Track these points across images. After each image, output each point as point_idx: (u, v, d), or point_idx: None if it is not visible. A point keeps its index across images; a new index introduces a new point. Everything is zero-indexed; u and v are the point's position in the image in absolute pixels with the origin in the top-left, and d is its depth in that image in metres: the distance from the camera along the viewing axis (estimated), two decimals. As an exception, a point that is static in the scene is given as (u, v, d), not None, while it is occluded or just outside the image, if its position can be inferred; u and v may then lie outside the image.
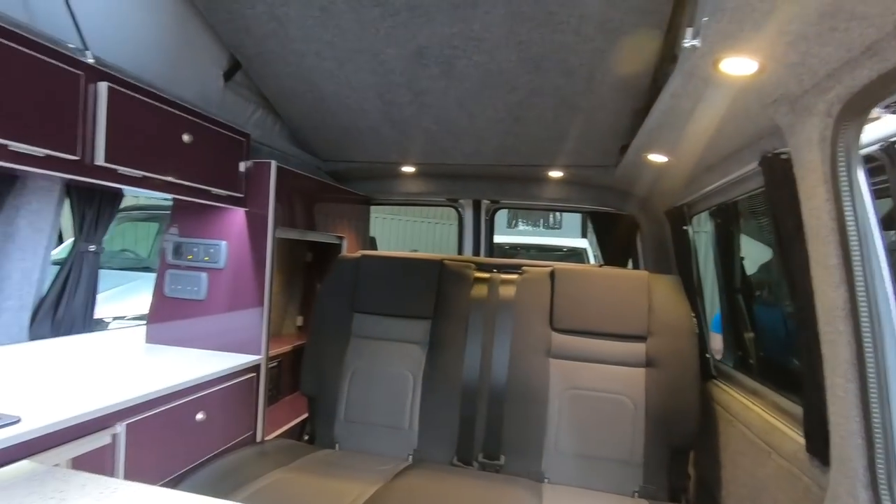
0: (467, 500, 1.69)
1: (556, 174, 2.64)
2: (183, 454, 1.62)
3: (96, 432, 1.29)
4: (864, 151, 1.24)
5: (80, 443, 1.24)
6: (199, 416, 1.65)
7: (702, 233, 3.03)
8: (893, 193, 1.11)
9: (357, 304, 2.29)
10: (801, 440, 1.34)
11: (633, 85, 1.71)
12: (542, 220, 9.79)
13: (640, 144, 1.82)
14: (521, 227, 9.63)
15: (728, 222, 2.21)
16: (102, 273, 3.85)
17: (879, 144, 1.15)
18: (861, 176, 1.03)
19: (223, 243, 2.01)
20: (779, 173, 1.26)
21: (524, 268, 2.30)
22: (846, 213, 0.98)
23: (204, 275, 2.02)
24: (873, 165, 1.24)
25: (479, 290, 2.26)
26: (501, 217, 9.07)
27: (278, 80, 1.99)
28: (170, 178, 1.58)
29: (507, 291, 2.23)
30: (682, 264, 2.34)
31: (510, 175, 2.79)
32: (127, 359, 1.82)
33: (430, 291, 2.24)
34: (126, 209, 5.53)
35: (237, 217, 2.01)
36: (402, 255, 2.38)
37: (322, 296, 2.35)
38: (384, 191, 3.09)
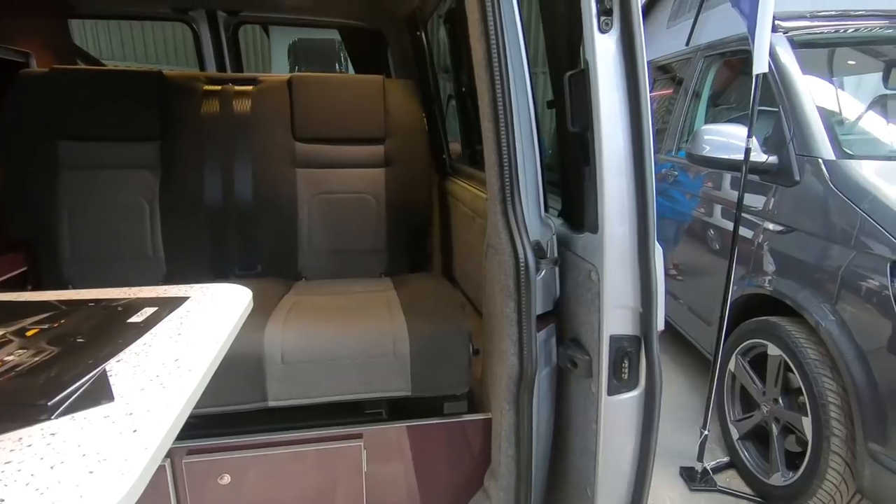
0: None
1: None
2: None
3: None
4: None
5: None
6: None
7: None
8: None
9: (59, 129, 1.94)
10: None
11: None
12: (326, 64, 9.19)
13: None
14: (305, 70, 8.88)
15: (455, 27, 2.35)
16: None
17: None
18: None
19: None
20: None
21: (259, 78, 2.18)
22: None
23: None
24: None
25: (212, 105, 2.09)
26: (282, 61, 8.17)
27: None
28: None
29: (243, 105, 2.11)
30: (419, 69, 2.46)
31: None
32: None
33: (151, 108, 1.99)
34: None
35: None
36: (108, 69, 2.02)
37: (5, 122, 1.92)
38: None
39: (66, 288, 1.93)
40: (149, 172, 1.99)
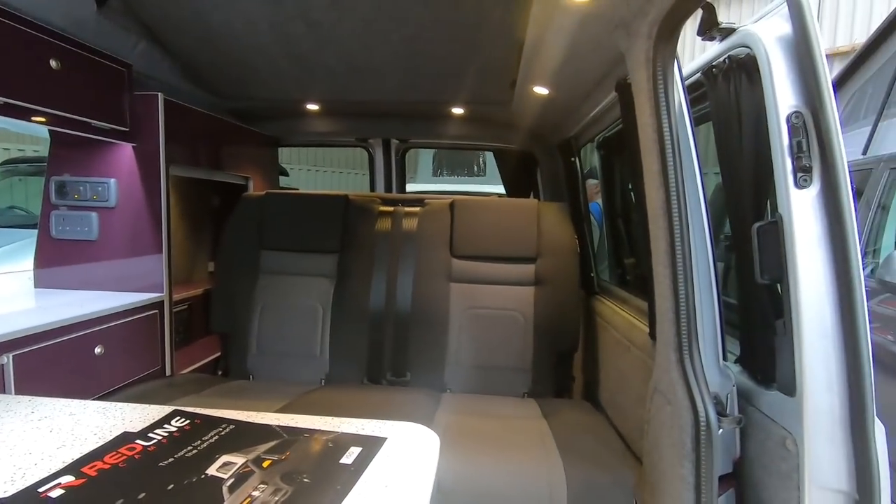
0: (370, 404, 1.84)
1: (458, 111, 2.72)
2: (83, 385, 1.63)
3: (-21, 363, 1.28)
4: (692, 80, 1.42)
5: (-37, 373, 1.24)
6: (98, 349, 1.66)
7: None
8: (712, 110, 1.29)
9: (264, 241, 2.32)
10: (647, 329, 1.59)
11: (517, 20, 1.80)
12: (466, 169, 9.96)
13: (524, 77, 1.93)
14: (446, 175, 9.73)
15: (610, 153, 2.42)
16: (-8, 232, 3.52)
17: (700, 70, 1.33)
18: (678, 93, 1.20)
19: (112, 181, 1.95)
20: (627, 97, 1.42)
21: (426, 200, 2.42)
22: (663, 126, 1.15)
23: (94, 214, 1.96)
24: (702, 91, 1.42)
25: (384, 224, 2.36)
26: (426, 165, 9.07)
27: (160, 7, 1.89)
28: (38, 107, 1.50)
29: (411, 223, 2.35)
30: (570, 192, 2.54)
31: (416, 113, 2.84)
32: (12, 300, 1.76)
33: (336, 226, 2.30)
34: (11, 161, 5.04)
35: (125, 153, 1.94)
36: (307, 193, 2.41)
37: (228, 234, 2.35)
38: (291, 131, 3.04)
39: (247, 378, 2.20)
40: (326, 280, 2.27)
